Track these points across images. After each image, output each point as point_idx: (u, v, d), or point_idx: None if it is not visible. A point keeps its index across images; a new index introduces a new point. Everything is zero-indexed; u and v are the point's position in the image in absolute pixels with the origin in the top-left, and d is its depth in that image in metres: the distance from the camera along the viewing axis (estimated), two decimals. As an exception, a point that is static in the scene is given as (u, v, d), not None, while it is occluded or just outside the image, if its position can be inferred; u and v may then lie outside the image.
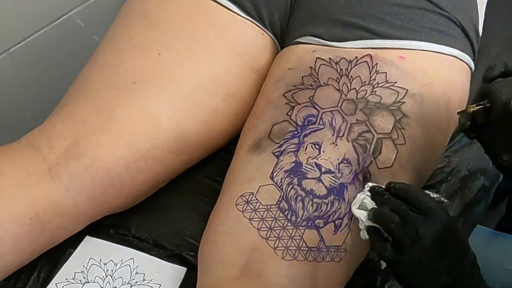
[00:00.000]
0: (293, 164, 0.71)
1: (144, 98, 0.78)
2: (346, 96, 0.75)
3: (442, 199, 0.68)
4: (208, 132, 0.82)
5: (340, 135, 0.73)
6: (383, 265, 0.66)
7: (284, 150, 0.73)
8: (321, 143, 0.72)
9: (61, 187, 0.73)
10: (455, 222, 0.64)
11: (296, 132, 0.74)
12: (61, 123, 0.77)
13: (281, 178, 0.71)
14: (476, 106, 0.62)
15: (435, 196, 0.67)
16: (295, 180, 0.71)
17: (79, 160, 0.74)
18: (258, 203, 0.70)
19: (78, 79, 0.82)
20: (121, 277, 0.78)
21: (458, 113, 0.65)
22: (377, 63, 0.76)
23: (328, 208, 0.70)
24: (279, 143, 0.73)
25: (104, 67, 0.81)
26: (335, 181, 0.71)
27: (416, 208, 0.62)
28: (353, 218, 0.71)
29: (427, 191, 0.67)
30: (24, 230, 0.71)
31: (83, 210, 0.76)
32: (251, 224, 0.69)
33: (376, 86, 0.75)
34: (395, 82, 0.76)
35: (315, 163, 0.71)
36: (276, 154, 0.73)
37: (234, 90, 0.83)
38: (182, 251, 0.80)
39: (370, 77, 0.76)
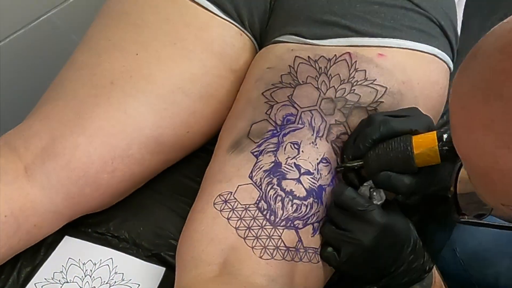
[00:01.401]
0: (272, 164, 0.71)
1: (121, 99, 0.77)
2: (325, 94, 0.75)
3: (375, 194, 0.71)
4: (185, 133, 0.82)
5: (320, 135, 0.73)
6: None
7: (263, 149, 0.73)
8: (300, 143, 0.72)
9: (36, 186, 0.73)
10: (389, 220, 0.68)
11: (275, 132, 0.73)
12: (38, 123, 0.76)
13: (260, 178, 0.71)
14: (352, 163, 0.71)
15: (369, 192, 0.71)
16: (275, 180, 0.70)
17: (54, 160, 0.74)
18: (237, 203, 0.70)
19: (56, 80, 0.82)
20: (100, 277, 0.78)
21: (336, 168, 0.74)
22: (356, 61, 0.76)
23: (307, 210, 0.70)
24: (258, 142, 0.73)
25: (82, 68, 0.80)
26: (314, 182, 0.71)
27: (351, 215, 0.68)
28: None
29: (363, 187, 0.71)
30: None
31: (60, 209, 0.76)
32: (229, 223, 0.69)
33: (355, 84, 0.75)
34: (374, 80, 0.75)
35: (294, 163, 0.71)
36: (255, 153, 0.72)
37: (212, 90, 0.83)
38: (161, 250, 0.80)
39: (349, 75, 0.76)
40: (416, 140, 0.66)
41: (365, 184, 0.71)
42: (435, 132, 0.65)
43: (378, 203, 0.69)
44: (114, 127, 0.76)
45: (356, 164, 0.70)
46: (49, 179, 0.73)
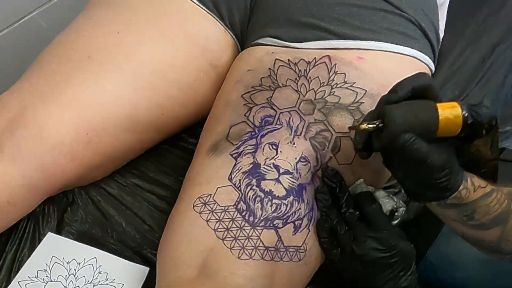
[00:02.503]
0: (251, 165, 0.72)
1: (98, 73, 0.77)
2: (304, 96, 0.75)
3: (399, 204, 0.72)
4: (160, 115, 0.82)
5: (298, 133, 0.73)
6: None
7: (242, 151, 0.73)
8: (278, 143, 0.73)
9: (6, 158, 0.72)
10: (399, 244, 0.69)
11: (253, 133, 0.74)
12: (8, 96, 0.76)
13: (240, 179, 0.71)
14: (368, 124, 0.63)
15: (392, 200, 0.72)
16: (254, 181, 0.71)
17: (25, 129, 0.73)
18: (216, 204, 0.70)
19: (34, 61, 0.81)
20: (84, 276, 0.78)
21: (349, 128, 0.68)
22: (335, 64, 0.77)
23: (287, 209, 0.71)
24: (236, 144, 0.74)
25: (60, 44, 0.80)
26: (293, 182, 0.72)
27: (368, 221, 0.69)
28: (312, 220, 0.73)
29: (386, 194, 0.72)
30: None
31: (34, 182, 0.74)
32: (208, 225, 0.69)
33: (334, 86, 0.76)
34: (354, 83, 0.76)
35: (273, 163, 0.72)
36: (234, 155, 0.73)
37: (191, 80, 0.84)
38: (145, 249, 0.81)
39: (329, 78, 0.76)
40: (441, 105, 0.61)
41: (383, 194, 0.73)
42: (457, 102, 0.62)
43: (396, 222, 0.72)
44: (90, 99, 0.76)
45: (372, 125, 0.63)
46: (19, 150, 0.72)
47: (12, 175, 0.72)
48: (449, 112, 0.61)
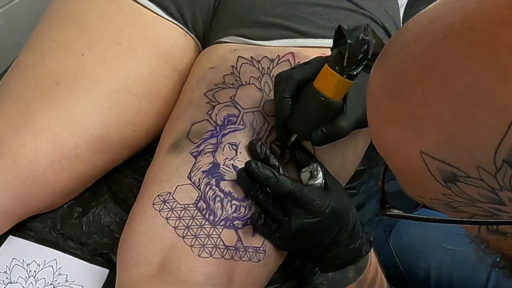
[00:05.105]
0: (210, 165, 0.72)
1: (67, 98, 0.77)
2: (268, 95, 0.75)
3: (315, 173, 0.71)
4: (131, 132, 0.82)
5: (260, 137, 0.73)
6: None
7: (202, 150, 0.73)
8: (238, 144, 0.73)
9: None
10: (330, 203, 0.68)
11: (214, 132, 0.73)
12: None
13: (199, 178, 0.71)
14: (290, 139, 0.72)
15: (309, 170, 0.71)
16: (213, 181, 0.71)
17: (1, 160, 0.73)
18: (175, 203, 0.70)
19: (1, 82, 0.82)
20: (44, 278, 0.77)
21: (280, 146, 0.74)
22: (299, 61, 0.76)
23: (246, 211, 0.71)
24: (197, 143, 0.73)
25: (27, 69, 0.80)
26: None
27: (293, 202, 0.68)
28: None
29: (303, 172, 0.71)
30: None
31: (8, 210, 0.75)
32: (168, 223, 0.69)
33: None
34: None
35: (232, 164, 0.72)
36: (194, 154, 0.73)
37: (157, 90, 0.83)
38: (106, 250, 0.80)
39: None
40: (320, 84, 0.64)
41: (303, 170, 0.71)
42: (326, 65, 0.63)
43: (318, 184, 0.70)
44: (60, 126, 0.76)
45: (293, 138, 0.70)
46: None
47: None
48: (331, 82, 0.63)
